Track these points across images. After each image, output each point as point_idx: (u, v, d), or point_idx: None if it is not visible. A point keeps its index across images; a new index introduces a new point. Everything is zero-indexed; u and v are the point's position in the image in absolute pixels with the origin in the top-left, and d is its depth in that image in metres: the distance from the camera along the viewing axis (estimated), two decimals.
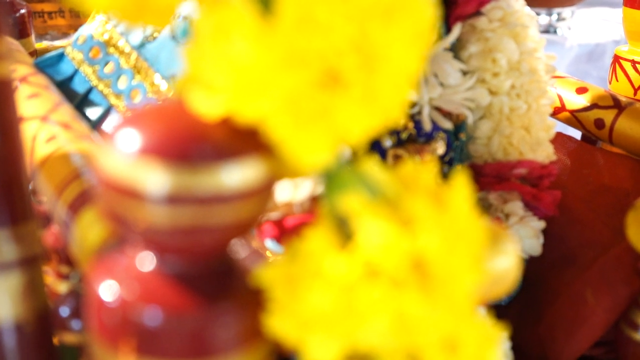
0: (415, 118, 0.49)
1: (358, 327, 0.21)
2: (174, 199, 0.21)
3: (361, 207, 0.22)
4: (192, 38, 0.22)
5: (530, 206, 0.52)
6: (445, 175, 0.50)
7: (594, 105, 0.60)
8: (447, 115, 0.50)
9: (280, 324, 0.22)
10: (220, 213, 0.22)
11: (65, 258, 0.39)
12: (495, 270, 0.31)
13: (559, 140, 0.63)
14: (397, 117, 0.25)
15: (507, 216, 0.51)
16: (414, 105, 0.50)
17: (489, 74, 0.51)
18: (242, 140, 0.22)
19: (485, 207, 0.53)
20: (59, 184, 0.33)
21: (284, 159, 0.22)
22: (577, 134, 0.68)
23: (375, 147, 0.47)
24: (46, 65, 0.51)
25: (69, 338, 0.37)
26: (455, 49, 0.52)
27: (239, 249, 0.25)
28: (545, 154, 0.52)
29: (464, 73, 0.51)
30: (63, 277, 0.39)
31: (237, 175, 0.22)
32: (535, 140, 0.51)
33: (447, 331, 0.23)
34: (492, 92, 0.51)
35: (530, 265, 0.56)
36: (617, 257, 0.46)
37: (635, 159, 0.59)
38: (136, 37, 0.49)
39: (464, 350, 0.24)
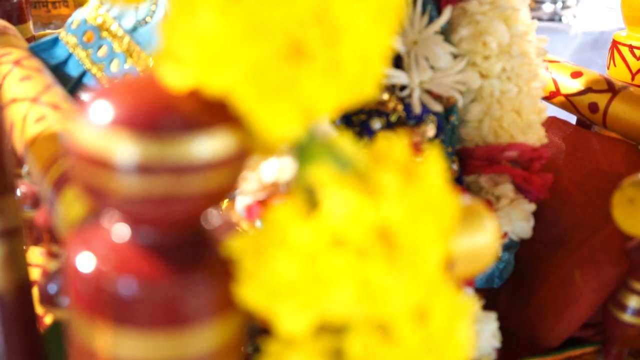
0: (405, 101, 0.49)
1: (323, 295, 0.21)
2: (144, 169, 0.22)
3: (328, 178, 0.22)
4: (167, 13, 0.22)
5: (522, 189, 0.53)
6: None
7: (588, 89, 0.60)
8: (438, 98, 0.51)
9: (249, 293, 0.22)
10: (189, 183, 0.22)
11: (55, 237, 0.39)
12: (472, 246, 0.32)
13: (554, 124, 0.63)
14: (369, 91, 0.25)
15: (498, 199, 0.52)
16: (404, 88, 0.50)
17: (480, 57, 0.51)
18: (212, 112, 0.22)
19: (476, 189, 0.53)
20: (45, 162, 0.34)
21: (253, 131, 0.22)
22: (573, 119, 0.68)
23: (365, 129, 0.47)
24: (41, 49, 0.51)
25: (58, 314, 0.37)
26: (446, 32, 0.52)
27: (213, 219, 0.26)
28: (536, 137, 0.53)
29: (455, 56, 0.52)
30: (53, 255, 0.40)
31: (206, 146, 0.22)
32: (526, 123, 0.52)
33: (415, 301, 0.24)
34: (482, 75, 0.51)
35: (522, 249, 0.56)
36: (606, 239, 0.47)
37: (629, 143, 0.59)
38: (129, 21, 0.50)
39: (433, 321, 0.25)
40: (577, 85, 0.62)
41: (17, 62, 0.47)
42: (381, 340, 0.24)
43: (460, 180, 0.52)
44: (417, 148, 0.47)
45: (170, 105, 0.22)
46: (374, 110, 0.48)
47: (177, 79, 0.22)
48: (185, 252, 0.24)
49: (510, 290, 0.54)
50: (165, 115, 0.22)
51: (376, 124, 0.47)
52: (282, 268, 0.21)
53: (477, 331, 0.45)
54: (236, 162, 0.23)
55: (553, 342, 0.48)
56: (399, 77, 0.49)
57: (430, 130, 0.49)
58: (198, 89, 0.22)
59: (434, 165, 0.25)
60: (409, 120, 0.49)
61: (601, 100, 0.59)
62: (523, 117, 0.52)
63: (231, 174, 0.23)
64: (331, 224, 0.21)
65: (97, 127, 0.22)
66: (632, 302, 0.45)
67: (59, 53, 0.51)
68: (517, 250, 0.56)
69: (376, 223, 0.22)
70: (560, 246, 0.52)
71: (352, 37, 0.21)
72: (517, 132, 0.51)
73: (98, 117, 0.22)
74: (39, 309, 0.35)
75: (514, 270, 0.56)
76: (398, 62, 0.51)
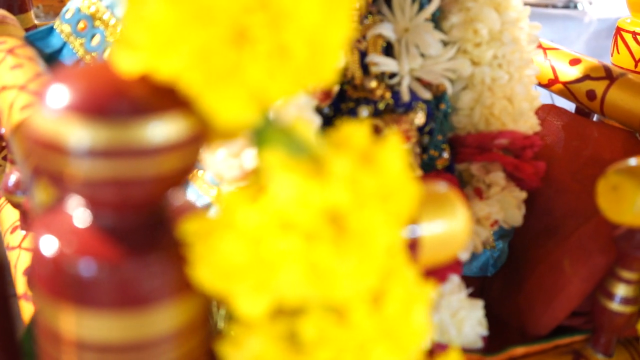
0: (395, 89, 0.49)
1: (271, 278, 0.22)
2: (96, 154, 0.22)
3: (277, 162, 0.22)
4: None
5: (514, 177, 0.52)
6: (424, 146, 0.51)
7: (586, 77, 0.60)
8: (427, 85, 0.51)
9: (202, 275, 0.23)
10: (143, 167, 0.23)
11: None
12: (442, 232, 0.32)
13: (553, 112, 0.62)
14: (324, 78, 0.25)
15: (489, 186, 0.51)
16: (394, 76, 0.50)
17: (471, 45, 0.51)
18: (164, 97, 0.23)
19: (468, 177, 0.53)
20: (26, 149, 0.35)
21: (204, 115, 0.23)
22: (573, 107, 0.67)
23: (352, 117, 0.47)
24: (36, 38, 0.52)
25: None
26: (438, 20, 0.52)
27: (174, 202, 0.26)
28: (528, 124, 0.52)
29: (446, 44, 0.51)
30: None
31: (158, 130, 0.22)
32: (518, 110, 0.51)
33: (367, 286, 0.24)
34: (474, 63, 0.51)
35: (516, 237, 0.56)
36: (595, 227, 0.46)
37: (628, 131, 0.59)
38: (121, 10, 0.50)
39: (388, 306, 0.25)
40: (575, 72, 0.61)
41: (10, 51, 0.48)
42: (336, 324, 0.24)
43: (452, 168, 0.52)
44: (405, 135, 0.47)
45: (121, 91, 0.22)
46: (362, 98, 0.48)
47: (129, 64, 0.22)
48: (143, 234, 0.25)
49: (503, 279, 0.54)
50: (115, 100, 0.22)
51: (363, 111, 0.47)
52: (230, 251, 0.21)
53: (462, 318, 0.45)
54: (190, 146, 0.24)
55: (542, 330, 0.48)
56: (389, 65, 0.49)
57: (420, 118, 0.49)
58: (149, 74, 0.22)
59: (393, 151, 0.26)
60: (398, 107, 0.49)
61: (599, 87, 0.58)
62: (515, 105, 0.51)
63: (185, 157, 0.24)
64: (278, 207, 0.21)
65: (50, 113, 0.22)
66: (620, 290, 0.44)
67: (54, 42, 0.52)
68: (511, 239, 0.56)
69: (324, 207, 0.22)
70: (552, 235, 0.52)
71: (298, 23, 0.21)
72: (508, 119, 0.51)
73: (52, 103, 0.22)
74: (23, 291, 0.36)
75: (507, 258, 0.56)
76: (389, 49, 0.51)
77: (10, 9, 0.62)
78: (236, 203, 0.22)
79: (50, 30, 0.52)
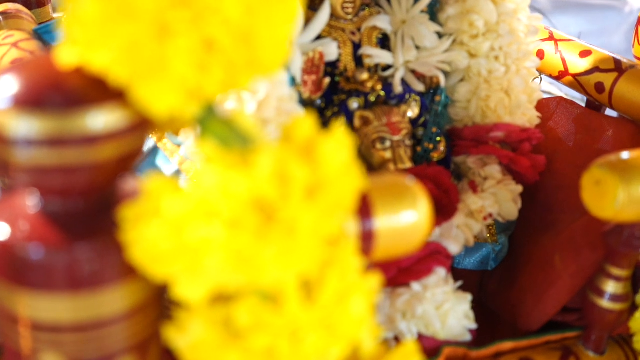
0: (388, 80, 0.49)
1: (195, 264, 0.22)
2: (35, 143, 0.23)
3: (206, 152, 0.23)
4: None
5: (513, 171, 0.52)
6: (419, 138, 0.51)
7: (595, 69, 0.58)
8: (421, 78, 0.50)
9: (136, 259, 0.24)
10: (83, 155, 0.24)
11: None
12: (400, 224, 0.32)
13: (561, 105, 0.61)
14: (267, 71, 0.26)
15: (486, 179, 0.51)
16: (387, 68, 0.50)
17: (467, 36, 0.50)
18: (101, 88, 0.24)
19: (465, 170, 0.53)
20: None
21: (138, 106, 0.23)
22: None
23: (342, 109, 0.48)
24: (45, 32, 0.54)
25: None
26: (435, 12, 0.52)
27: (124, 187, 0.27)
28: (526, 117, 0.52)
29: (442, 35, 0.51)
30: None
31: (95, 120, 0.23)
32: (515, 103, 0.51)
33: (296, 273, 0.24)
34: (471, 55, 0.51)
35: (516, 232, 0.55)
36: (587, 223, 0.45)
37: (638, 125, 0.57)
38: None
39: (323, 295, 0.25)
40: (584, 64, 0.60)
41: (15, 44, 0.49)
42: (270, 311, 0.25)
43: (448, 160, 0.52)
44: (395, 128, 0.47)
45: (59, 84, 0.23)
46: (354, 90, 0.48)
47: (69, 58, 0.23)
48: (90, 219, 0.26)
49: (500, 273, 0.54)
50: (52, 92, 0.23)
51: (353, 103, 0.47)
52: (155, 238, 0.22)
53: (447, 311, 0.45)
54: (130, 135, 0.25)
55: (533, 325, 0.48)
56: (383, 57, 0.49)
57: (413, 110, 0.49)
58: (86, 68, 0.23)
59: (334, 144, 0.26)
60: (390, 99, 0.49)
61: (607, 80, 0.57)
62: (512, 97, 0.51)
63: (127, 145, 0.25)
64: (201, 196, 0.22)
65: None
66: (609, 287, 0.44)
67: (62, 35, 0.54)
68: (511, 233, 0.55)
69: (250, 197, 0.23)
70: (549, 229, 0.51)
71: (221, 17, 0.22)
72: (505, 112, 0.50)
73: None
74: None
75: (508, 253, 0.55)
76: (385, 41, 0.51)
77: (27, 3, 0.65)
78: (161, 191, 0.22)
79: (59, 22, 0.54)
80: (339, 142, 0.26)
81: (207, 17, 0.22)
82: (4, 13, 0.59)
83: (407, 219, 0.31)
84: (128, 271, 0.26)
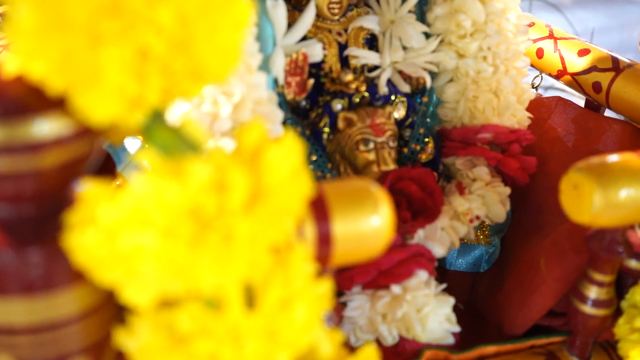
0: (374, 82, 0.49)
1: (130, 271, 0.23)
2: None
3: (143, 160, 0.23)
4: None
5: (502, 173, 0.51)
6: (405, 140, 0.50)
7: (593, 68, 0.57)
8: (407, 79, 0.50)
9: (79, 264, 0.24)
10: (28, 162, 0.24)
11: None
12: (360, 229, 0.32)
13: (559, 105, 0.60)
14: (212, 80, 0.26)
15: (474, 181, 0.50)
16: (374, 68, 0.50)
17: (455, 36, 0.50)
18: (44, 97, 0.24)
19: (454, 171, 0.52)
20: None
21: (78, 114, 0.24)
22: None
23: (326, 110, 0.47)
24: None
25: None
26: (422, 12, 0.51)
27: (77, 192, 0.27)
28: (515, 118, 0.51)
29: (429, 36, 0.51)
30: None
31: (39, 127, 0.24)
32: (504, 104, 0.50)
33: (234, 280, 0.24)
34: (459, 55, 0.50)
35: (507, 234, 0.55)
36: (572, 226, 0.45)
37: (635, 125, 0.56)
38: None
39: (266, 302, 0.25)
40: (582, 63, 0.58)
41: (6, 47, 0.50)
42: (212, 317, 0.25)
43: (436, 162, 0.51)
44: (379, 129, 0.47)
45: (0, 92, 0.24)
46: (338, 91, 0.48)
47: (10, 68, 0.24)
48: (41, 224, 0.26)
49: (490, 276, 0.53)
50: None
51: (337, 105, 0.47)
52: (90, 245, 0.23)
53: (427, 314, 0.44)
54: (77, 141, 0.25)
55: (518, 329, 0.47)
56: (369, 58, 0.49)
57: (399, 111, 0.49)
58: (27, 77, 0.24)
59: (281, 151, 0.26)
60: (376, 101, 0.48)
61: (604, 79, 0.56)
62: (501, 98, 0.50)
63: (74, 151, 0.25)
64: (134, 204, 0.22)
65: None
66: (592, 293, 0.43)
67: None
68: (503, 235, 0.55)
69: (185, 206, 0.23)
70: (537, 232, 0.50)
71: (153, 27, 0.22)
72: (492, 113, 0.50)
73: None
74: None
75: (499, 256, 0.55)
76: (373, 42, 0.51)
77: None
78: (97, 198, 0.23)
79: None
80: (288, 148, 0.26)
81: (140, 27, 0.22)
82: (3, 14, 0.60)
83: (368, 224, 0.31)
84: (79, 274, 0.27)
